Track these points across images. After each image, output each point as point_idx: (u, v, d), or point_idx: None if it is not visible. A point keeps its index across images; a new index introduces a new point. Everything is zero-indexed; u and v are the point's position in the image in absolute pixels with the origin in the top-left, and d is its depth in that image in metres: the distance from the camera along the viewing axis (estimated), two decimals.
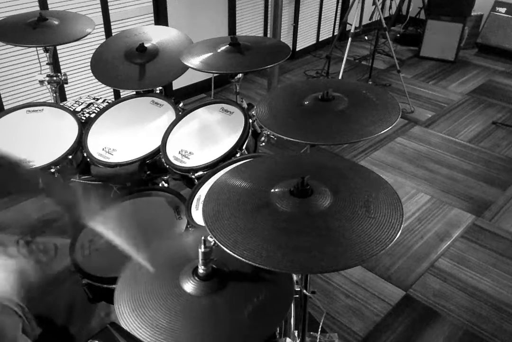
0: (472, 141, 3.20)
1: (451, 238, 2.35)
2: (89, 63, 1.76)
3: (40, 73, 1.87)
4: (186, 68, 1.60)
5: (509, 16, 4.31)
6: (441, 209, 2.55)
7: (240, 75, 1.67)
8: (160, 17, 3.14)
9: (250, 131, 1.48)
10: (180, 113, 1.61)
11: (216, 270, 0.94)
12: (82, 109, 1.91)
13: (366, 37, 4.70)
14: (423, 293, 2.03)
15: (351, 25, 3.46)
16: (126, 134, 1.59)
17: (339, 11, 4.62)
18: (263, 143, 1.59)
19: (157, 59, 1.73)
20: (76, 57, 2.81)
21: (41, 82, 1.87)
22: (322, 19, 4.49)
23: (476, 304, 1.98)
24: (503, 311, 1.95)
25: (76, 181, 1.65)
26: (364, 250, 0.84)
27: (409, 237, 2.35)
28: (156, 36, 1.82)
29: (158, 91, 1.76)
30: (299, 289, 1.14)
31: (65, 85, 2.82)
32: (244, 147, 1.44)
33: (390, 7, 4.80)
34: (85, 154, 1.55)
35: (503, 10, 4.34)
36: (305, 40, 4.44)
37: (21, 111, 1.66)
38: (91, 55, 1.78)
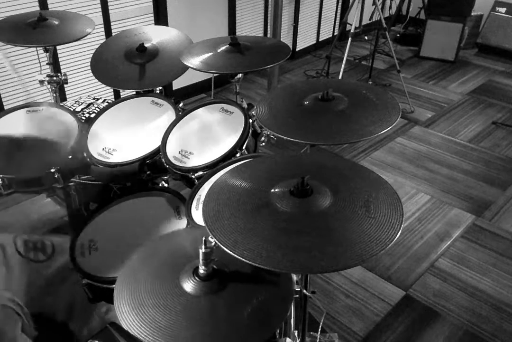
0: (472, 141, 3.20)
1: (451, 238, 2.35)
2: (89, 63, 1.76)
3: (40, 73, 1.87)
4: (186, 68, 1.59)
5: (509, 16, 4.31)
6: (441, 209, 2.55)
7: (240, 75, 1.67)
8: (160, 17, 3.14)
9: (250, 131, 1.48)
10: (180, 113, 1.61)
11: (216, 271, 0.94)
12: (82, 109, 1.91)
13: (366, 37, 4.70)
14: (423, 293, 2.03)
15: (351, 25, 3.46)
16: (126, 134, 1.59)
17: (339, 11, 4.62)
18: (263, 143, 1.59)
19: (157, 59, 1.73)
20: (76, 57, 2.81)
21: (41, 82, 1.87)
22: (322, 19, 4.49)
23: (476, 304, 1.98)
24: (503, 311, 1.95)
25: (76, 181, 1.65)
26: (364, 250, 0.84)
27: (409, 237, 2.35)
28: (156, 36, 1.82)
29: (158, 91, 1.76)
30: (299, 289, 1.14)
31: (65, 85, 2.82)
32: (244, 147, 1.44)
33: (390, 7, 4.80)
34: (85, 154, 1.55)
35: (503, 10, 4.34)
36: (305, 40, 4.44)
37: (21, 111, 1.66)
38: (91, 55, 1.78)
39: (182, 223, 1.34)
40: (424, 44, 4.41)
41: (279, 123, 1.25)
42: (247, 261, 0.82)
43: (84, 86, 2.93)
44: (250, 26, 3.83)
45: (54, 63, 2.17)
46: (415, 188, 2.71)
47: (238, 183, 1.03)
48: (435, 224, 2.44)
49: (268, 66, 1.51)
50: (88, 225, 1.42)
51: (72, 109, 1.83)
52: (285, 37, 4.19)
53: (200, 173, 1.41)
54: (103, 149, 1.54)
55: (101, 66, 1.75)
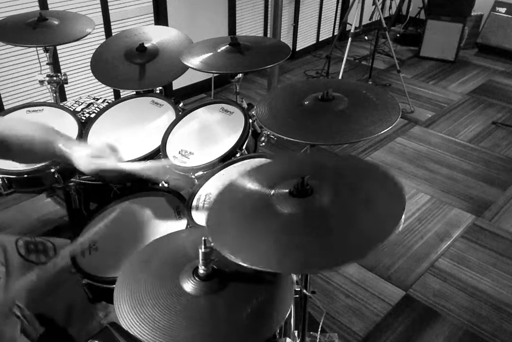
0: (472, 141, 3.20)
1: (451, 238, 2.35)
2: (89, 63, 1.76)
3: (40, 73, 1.87)
4: (186, 68, 1.59)
5: (509, 16, 4.31)
6: (441, 209, 2.55)
7: (240, 75, 1.67)
8: (160, 17, 3.14)
9: (250, 131, 1.48)
10: (180, 113, 1.61)
11: (216, 270, 0.94)
12: (82, 109, 1.91)
13: (366, 37, 4.70)
14: (423, 293, 2.03)
15: (351, 25, 3.46)
16: (126, 134, 1.59)
17: (339, 11, 4.62)
18: (263, 143, 1.59)
19: (157, 59, 1.73)
20: (76, 57, 2.81)
21: (41, 82, 1.87)
22: (322, 19, 4.49)
23: (476, 304, 1.98)
24: (503, 311, 1.95)
25: (76, 181, 1.65)
26: (364, 248, 0.83)
27: (409, 237, 2.35)
28: (156, 36, 1.82)
29: (158, 91, 1.76)
30: (299, 289, 1.14)
31: (65, 85, 2.82)
32: (244, 147, 1.43)
33: (390, 7, 4.81)
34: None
35: (503, 10, 4.34)
36: (305, 40, 4.44)
37: (21, 111, 1.66)
38: (91, 55, 1.78)
39: (182, 223, 1.34)
40: (424, 44, 4.41)
41: (279, 123, 1.25)
42: (247, 265, 0.81)
43: (84, 86, 2.93)
44: (250, 26, 3.83)
45: (54, 63, 2.17)
46: (415, 188, 2.71)
47: (240, 185, 1.03)
48: (435, 224, 2.44)
49: (268, 66, 1.51)
50: (88, 225, 1.41)
51: (72, 109, 1.83)
52: (285, 37, 4.19)
53: (200, 173, 1.40)
54: None
55: (101, 66, 1.75)
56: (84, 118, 1.83)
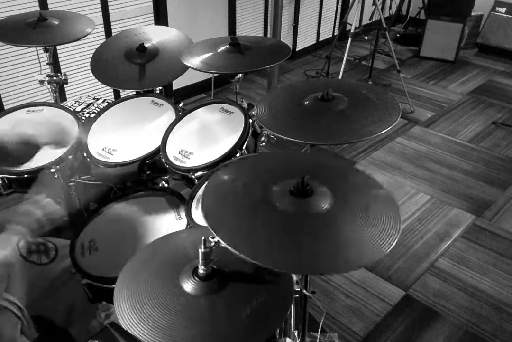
0: (472, 141, 3.20)
1: (451, 238, 2.35)
2: (89, 63, 1.76)
3: (40, 73, 1.87)
4: (186, 68, 1.59)
5: (509, 16, 4.31)
6: (441, 209, 2.55)
7: (240, 75, 1.66)
8: (160, 17, 3.14)
9: (250, 131, 1.48)
10: (180, 113, 1.61)
11: (216, 270, 0.94)
12: (82, 109, 1.91)
13: (366, 37, 4.70)
14: (423, 293, 2.03)
15: (351, 25, 3.46)
16: (126, 134, 1.59)
17: (339, 11, 4.62)
18: (263, 143, 1.59)
19: (157, 59, 1.73)
20: (76, 57, 2.81)
21: (41, 82, 1.87)
22: (322, 19, 4.49)
23: (476, 304, 1.98)
24: (503, 311, 1.95)
25: (76, 181, 1.65)
26: (365, 252, 0.84)
27: (409, 237, 2.35)
28: (156, 36, 1.82)
29: (158, 91, 1.76)
30: (299, 289, 1.14)
31: (65, 85, 2.82)
32: (244, 147, 1.43)
33: (390, 7, 4.80)
34: (85, 154, 1.54)
35: (503, 10, 4.34)
36: (305, 40, 4.44)
37: (21, 111, 1.66)
38: (91, 55, 1.78)
39: (182, 223, 1.34)
40: (424, 44, 4.41)
41: (279, 123, 1.25)
42: (248, 259, 0.81)
43: (84, 86, 2.93)
44: (250, 26, 3.83)
45: (54, 63, 2.17)
46: (415, 188, 2.71)
47: (238, 183, 1.03)
48: (435, 224, 2.44)
49: (268, 66, 1.51)
50: (88, 225, 1.42)
51: (72, 109, 1.83)
52: (285, 37, 4.19)
53: (200, 172, 1.41)
54: (103, 149, 1.54)
55: (101, 66, 1.75)
56: (84, 118, 1.83)
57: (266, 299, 0.90)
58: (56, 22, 1.80)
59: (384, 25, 3.41)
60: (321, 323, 1.67)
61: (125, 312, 0.89)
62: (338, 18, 4.64)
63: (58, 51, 2.71)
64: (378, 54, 4.34)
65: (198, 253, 0.91)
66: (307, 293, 1.13)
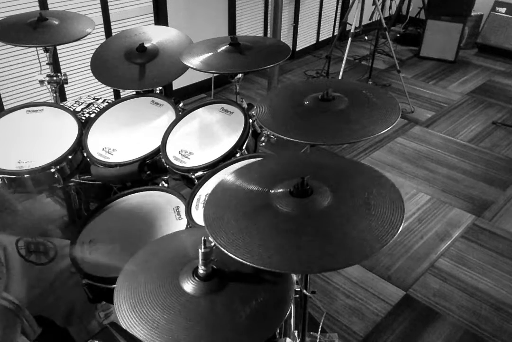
0: (472, 141, 3.20)
1: (451, 238, 2.35)
2: (89, 63, 1.76)
3: (40, 73, 1.87)
4: (186, 68, 1.59)
5: (509, 16, 4.31)
6: (441, 209, 2.55)
7: (240, 75, 1.67)
8: (160, 17, 3.14)
9: (250, 131, 1.48)
10: (180, 113, 1.61)
11: (216, 271, 0.94)
12: (82, 109, 1.91)
13: (366, 37, 4.70)
14: (423, 293, 2.03)
15: (351, 25, 3.46)
16: (126, 134, 1.59)
17: (339, 11, 4.62)
18: (263, 143, 1.59)
19: (157, 59, 1.73)
20: (76, 57, 2.81)
21: (41, 82, 1.87)
22: (322, 19, 4.49)
23: (476, 304, 1.98)
24: (503, 311, 1.95)
25: (76, 181, 1.65)
26: (364, 248, 0.84)
27: (409, 237, 2.35)
28: (156, 36, 1.82)
29: (158, 91, 1.76)
30: (299, 289, 1.14)
31: (65, 85, 2.82)
32: (244, 147, 1.44)
33: (390, 7, 4.80)
34: (85, 154, 1.55)
35: (503, 10, 4.34)
36: (305, 40, 4.44)
37: (21, 111, 1.66)
38: (91, 55, 1.78)
39: (182, 223, 1.34)
40: (424, 44, 4.41)
41: (279, 123, 1.25)
42: (247, 263, 0.82)
43: (84, 86, 2.93)
44: (250, 26, 3.83)
45: (54, 63, 2.17)
46: (415, 188, 2.71)
47: (238, 183, 1.03)
48: (435, 224, 2.44)
49: (268, 66, 1.51)
50: (88, 225, 1.42)
51: (72, 109, 1.83)
52: (285, 37, 4.19)
53: (200, 172, 1.41)
54: (103, 149, 1.54)
55: (101, 66, 1.75)
56: (84, 118, 1.83)
57: (266, 299, 0.90)
58: (56, 22, 1.80)
59: (384, 25, 3.40)
60: (321, 323, 1.67)
61: (125, 312, 0.90)
62: (338, 18, 4.64)
63: (58, 51, 2.71)
64: (378, 54, 4.34)
65: (198, 253, 0.91)
66: (307, 293, 1.13)
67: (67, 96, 2.87)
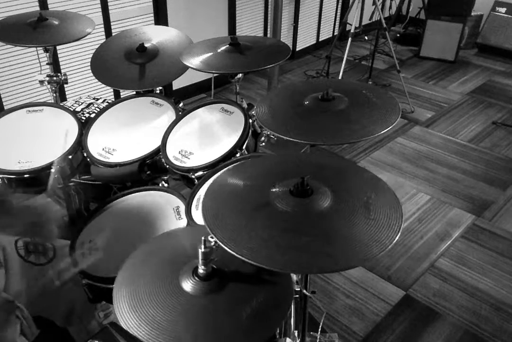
0: (472, 141, 3.20)
1: (451, 238, 2.35)
2: (89, 63, 1.76)
3: (40, 73, 1.87)
4: (186, 68, 1.59)
5: (509, 16, 4.31)
6: (441, 209, 2.55)
7: (240, 75, 1.67)
8: (160, 17, 3.14)
9: (250, 131, 1.48)
10: (180, 113, 1.61)
11: (216, 270, 0.94)
12: (82, 109, 1.91)
13: (366, 37, 4.70)
14: (423, 293, 2.03)
15: (351, 25, 3.46)
16: (126, 134, 1.59)
17: (339, 11, 4.62)
18: (263, 143, 1.59)
19: (157, 59, 1.73)
20: (76, 57, 2.81)
21: (41, 82, 1.87)
22: (322, 19, 4.49)
23: (476, 304, 1.98)
24: (503, 311, 1.95)
25: (76, 181, 1.65)
26: (364, 250, 0.84)
27: (409, 237, 2.35)
28: (156, 36, 1.82)
29: (158, 91, 1.76)
30: (299, 289, 1.14)
31: (65, 85, 2.82)
32: (244, 147, 1.44)
33: (390, 7, 4.80)
34: (85, 154, 1.55)
35: (503, 10, 4.34)
36: (305, 40, 4.44)
37: (21, 111, 1.66)
38: (91, 55, 1.78)
39: (182, 223, 1.34)
40: (424, 44, 4.41)
41: (279, 123, 1.25)
42: (247, 260, 0.81)
43: (84, 86, 2.93)
44: (250, 26, 3.83)
45: (54, 63, 2.17)
46: (415, 188, 2.71)
47: (238, 182, 1.03)
48: (435, 224, 2.44)
49: (268, 66, 1.51)
50: (88, 225, 1.42)
51: (72, 109, 1.83)
52: (285, 37, 4.19)
53: (200, 172, 1.41)
54: (103, 149, 1.54)
55: (101, 66, 1.75)
56: (84, 118, 1.83)
57: (266, 299, 0.90)
58: (56, 22, 1.80)
59: (384, 25, 3.41)
60: (321, 323, 1.67)
61: (125, 312, 0.89)
62: (338, 18, 4.64)
63: (58, 51, 2.71)
64: (378, 54, 4.34)
65: (197, 253, 0.91)
66: (307, 293, 1.13)
67: (67, 96, 2.87)
